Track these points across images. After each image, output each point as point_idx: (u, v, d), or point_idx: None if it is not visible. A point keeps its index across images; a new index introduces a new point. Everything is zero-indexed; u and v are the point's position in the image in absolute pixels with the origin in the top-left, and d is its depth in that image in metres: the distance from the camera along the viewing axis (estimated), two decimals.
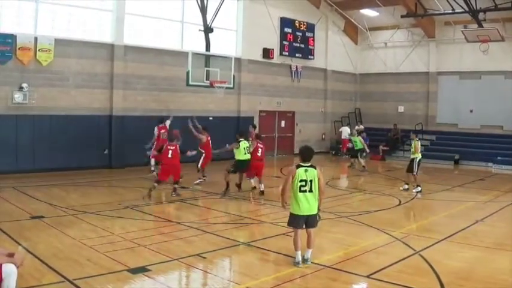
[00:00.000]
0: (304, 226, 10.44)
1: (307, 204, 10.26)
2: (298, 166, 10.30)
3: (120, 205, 16.07)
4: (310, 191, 10.28)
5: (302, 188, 10.22)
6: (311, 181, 10.28)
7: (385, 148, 34.84)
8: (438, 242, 12.60)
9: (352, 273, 10.03)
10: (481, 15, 30.87)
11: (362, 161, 29.02)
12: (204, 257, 10.67)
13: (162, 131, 22.63)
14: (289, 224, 10.58)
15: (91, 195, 17.45)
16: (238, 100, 31.95)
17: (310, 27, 36.54)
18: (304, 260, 10.31)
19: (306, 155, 10.43)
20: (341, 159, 34.96)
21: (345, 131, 36.61)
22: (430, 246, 12.16)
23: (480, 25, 31.90)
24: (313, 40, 36.80)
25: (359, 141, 29.51)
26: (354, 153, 30.04)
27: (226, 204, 17.70)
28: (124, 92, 26.17)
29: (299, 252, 10.28)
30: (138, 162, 24.00)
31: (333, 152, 37.79)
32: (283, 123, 35.88)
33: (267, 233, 12.96)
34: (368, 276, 9.79)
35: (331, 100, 39.50)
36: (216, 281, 9.44)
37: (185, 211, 15.92)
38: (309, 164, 10.44)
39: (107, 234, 12.39)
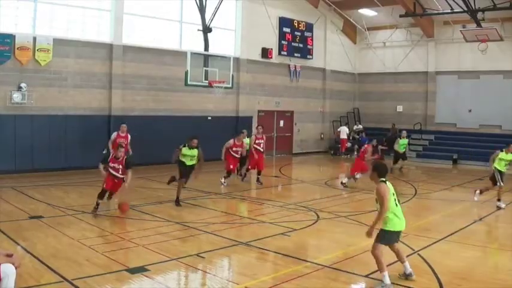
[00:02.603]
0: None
1: (403, 219, 9.73)
2: (382, 181, 9.43)
3: (117, 205, 16.05)
4: (399, 203, 9.71)
5: (396, 202, 9.57)
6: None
7: (384, 148, 34.83)
8: (437, 241, 12.63)
9: (351, 273, 10.06)
10: (479, 15, 30.87)
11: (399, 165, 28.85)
12: (203, 257, 10.67)
13: (121, 140, 19.64)
14: (382, 241, 9.47)
15: (90, 195, 17.38)
16: (237, 100, 31.93)
17: (309, 27, 36.56)
18: (408, 275, 9.61)
19: (385, 170, 9.57)
20: (340, 159, 35.01)
21: (344, 130, 36.69)
22: (429, 245, 12.21)
23: (479, 25, 31.89)
24: (312, 40, 36.83)
25: (406, 145, 29.59)
26: (398, 156, 29.17)
27: (225, 203, 17.73)
28: (123, 92, 26.16)
29: (387, 273, 9.24)
30: (137, 162, 24.01)
31: (332, 152, 37.79)
32: (281, 123, 35.84)
33: (266, 233, 12.95)
34: (367, 276, 9.83)
35: (330, 100, 39.51)
36: (215, 281, 9.44)
37: (184, 211, 15.84)
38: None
39: (105, 234, 12.45)
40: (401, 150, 28.90)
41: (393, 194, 9.46)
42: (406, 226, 13.59)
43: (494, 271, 10.44)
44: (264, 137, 22.99)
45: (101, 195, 15.02)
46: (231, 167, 21.92)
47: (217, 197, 18.80)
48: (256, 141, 22.41)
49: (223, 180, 21.70)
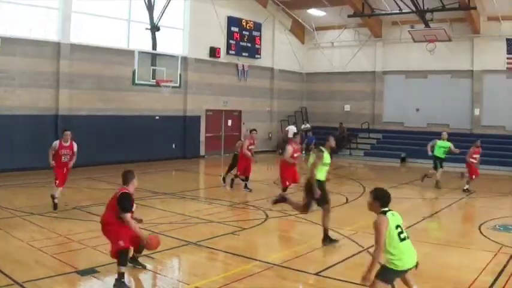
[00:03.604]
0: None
1: (413, 254, 8.06)
2: (382, 212, 8.08)
3: (66, 206, 15.93)
4: (407, 237, 8.02)
5: (401, 236, 7.95)
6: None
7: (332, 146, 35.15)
8: None
9: (301, 271, 10.18)
10: (428, 15, 31.41)
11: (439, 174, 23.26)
12: (153, 258, 10.66)
13: (65, 151, 16.05)
14: (382, 278, 7.95)
15: (38, 196, 17.26)
16: (185, 99, 31.83)
17: (257, 27, 36.69)
18: None
19: (388, 199, 8.31)
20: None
21: (291, 129, 36.88)
22: None
23: (427, 25, 32.47)
24: (260, 39, 36.97)
25: (447, 148, 23.32)
26: (438, 163, 23.42)
27: (173, 204, 17.69)
28: (70, 92, 25.81)
29: None
30: (84, 162, 23.81)
31: (280, 151, 37.92)
32: (229, 123, 35.89)
33: (215, 232, 13.01)
34: (317, 274, 9.97)
35: (278, 99, 39.76)
36: (165, 282, 9.52)
37: None
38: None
39: (54, 236, 12.32)
40: (441, 154, 23.31)
41: (397, 227, 7.97)
42: (355, 224, 13.88)
43: (445, 267, 10.66)
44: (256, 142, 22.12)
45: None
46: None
47: (165, 197, 18.72)
48: (249, 147, 21.18)
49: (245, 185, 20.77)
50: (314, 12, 38.48)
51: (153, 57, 26.52)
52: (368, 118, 39.17)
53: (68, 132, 16.11)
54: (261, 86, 38.25)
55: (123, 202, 9.24)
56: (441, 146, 22.92)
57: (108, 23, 28.05)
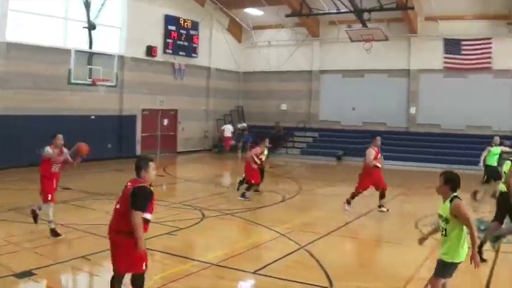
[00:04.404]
0: None
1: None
2: (457, 198, 7.78)
3: (3, 208, 15.68)
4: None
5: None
6: None
7: (268, 146, 35.42)
8: (323, 236, 13.15)
9: (239, 270, 10.30)
10: (365, 15, 31.84)
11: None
12: (89, 259, 10.64)
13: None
14: (444, 274, 7.77)
15: None
16: (121, 99, 31.54)
17: (195, 25, 36.63)
18: None
19: (459, 183, 7.96)
20: (224, 157, 35.37)
21: (228, 129, 37.09)
22: (315, 240, 12.66)
23: (364, 25, 32.94)
24: (197, 38, 36.93)
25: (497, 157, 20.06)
26: (491, 174, 19.47)
27: (109, 204, 17.43)
28: (5, 91, 25.29)
29: None
30: (20, 163, 23.47)
31: (216, 150, 38.08)
32: (165, 122, 35.76)
33: (152, 233, 12.81)
34: (255, 272, 10.09)
35: (214, 98, 39.77)
36: (102, 283, 9.48)
37: (69, 213, 15.60)
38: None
39: None
40: (494, 163, 19.90)
41: None
42: (291, 222, 14.09)
43: (380, 264, 10.93)
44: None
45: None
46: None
47: (101, 198, 18.53)
48: (261, 155, 20.07)
49: (247, 194, 19.06)
50: (251, 11, 38.71)
51: (90, 56, 26.30)
52: (304, 117, 39.64)
53: (60, 136, 13.64)
54: (198, 85, 38.20)
55: (136, 197, 7.48)
56: (495, 154, 19.78)
57: (45, 21, 27.46)
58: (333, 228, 14.07)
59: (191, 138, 37.39)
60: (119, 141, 31.29)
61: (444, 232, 7.73)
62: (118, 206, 7.77)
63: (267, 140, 20.98)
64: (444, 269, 7.67)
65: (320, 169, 30.38)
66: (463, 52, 34.60)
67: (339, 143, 36.13)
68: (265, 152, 20.45)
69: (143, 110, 33.53)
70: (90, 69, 26.01)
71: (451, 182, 7.84)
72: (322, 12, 33.84)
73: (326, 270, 10.12)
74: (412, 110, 36.37)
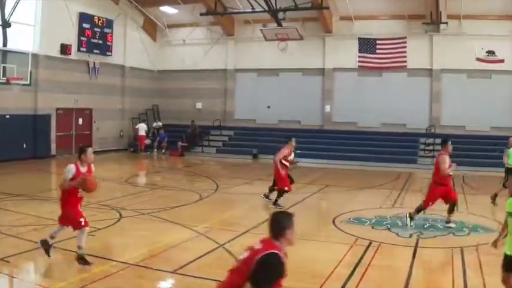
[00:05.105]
0: None
1: None
2: None
3: None
4: None
5: None
6: None
7: (184, 144, 35.59)
8: (242, 234, 13.33)
9: (158, 270, 10.33)
10: (281, 15, 32.31)
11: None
12: (8, 261, 10.50)
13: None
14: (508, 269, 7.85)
15: None
16: (35, 97, 30.98)
17: (109, 24, 36.30)
18: None
19: None
20: (139, 156, 35.25)
21: (142, 127, 36.96)
22: (234, 238, 12.81)
23: (279, 24, 33.38)
24: (112, 36, 36.61)
25: None
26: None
27: (26, 205, 17.27)
28: None
29: None
30: None
31: (132, 149, 37.86)
32: (80, 121, 35.33)
33: (70, 234, 12.70)
34: (174, 272, 10.15)
35: (129, 97, 39.51)
36: (23, 286, 9.46)
37: None
38: None
39: None
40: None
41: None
42: (209, 221, 14.23)
43: (302, 260, 11.01)
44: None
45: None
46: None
47: (17, 199, 18.27)
48: (288, 157, 18.60)
49: (279, 202, 17.90)
50: (166, 9, 38.73)
51: (4, 54, 25.87)
52: (220, 115, 39.88)
53: (90, 150, 11.06)
54: (113, 84, 37.91)
55: (262, 271, 5.50)
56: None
57: None
58: (251, 225, 14.29)
59: (107, 137, 37.05)
60: (34, 140, 30.73)
61: None
62: (232, 275, 5.93)
63: (294, 140, 19.13)
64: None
65: (236, 167, 30.59)
66: (378, 51, 35.57)
67: (254, 141, 36.44)
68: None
69: (58, 109, 33.03)
70: (4, 68, 25.55)
71: None
72: (237, 11, 34.17)
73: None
74: (327, 109, 37.06)
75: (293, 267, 10.65)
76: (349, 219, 15.88)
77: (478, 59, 34.43)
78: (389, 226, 14.99)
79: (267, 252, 5.50)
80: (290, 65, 37.24)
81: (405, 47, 35.23)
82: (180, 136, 36.83)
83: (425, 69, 35.51)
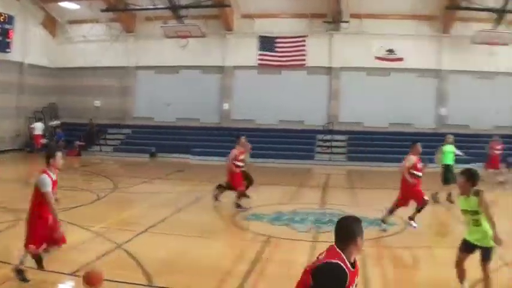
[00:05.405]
0: None
1: None
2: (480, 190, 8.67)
3: None
4: None
5: None
6: None
7: (81, 143, 35.18)
8: (140, 233, 13.46)
9: (57, 272, 10.21)
10: (183, 12, 32.37)
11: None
12: None
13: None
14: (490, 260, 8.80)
15: None
16: None
17: (9, 19, 35.18)
18: None
19: (479, 177, 8.84)
20: (36, 156, 34.51)
21: (38, 127, 36.21)
22: (132, 238, 12.91)
23: (181, 21, 33.42)
24: (13, 33, 35.56)
25: (451, 153, 19.91)
26: (449, 174, 19.20)
27: None
28: None
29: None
30: None
31: (28, 149, 37.04)
32: None
33: None
34: (73, 274, 10.06)
35: (27, 95, 38.62)
36: None
37: None
38: None
39: None
40: (449, 161, 19.70)
41: None
42: (107, 220, 14.24)
43: (201, 258, 11.28)
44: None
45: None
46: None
47: None
48: (240, 157, 18.40)
49: (242, 204, 17.84)
50: (67, 5, 38.23)
51: None
52: (119, 113, 39.82)
53: (60, 154, 10.26)
54: (9, 82, 36.95)
55: (321, 282, 5.25)
56: (450, 151, 19.62)
57: None
58: (150, 224, 14.41)
59: (4, 137, 36.16)
60: None
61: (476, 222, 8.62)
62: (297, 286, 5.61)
63: (243, 138, 18.90)
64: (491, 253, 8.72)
65: (134, 166, 30.55)
66: (278, 49, 36.20)
67: (153, 140, 36.51)
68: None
69: None
70: None
71: (472, 179, 8.61)
72: (138, 8, 34.02)
73: (144, 268, 10.32)
74: (226, 106, 37.40)
75: (193, 264, 11.01)
76: (247, 215, 16.20)
77: (378, 58, 35.66)
78: (287, 222, 15.48)
79: (326, 261, 5.28)
80: (190, 62, 37.51)
81: (304, 45, 36.12)
82: (78, 135, 36.41)
83: (325, 68, 36.59)
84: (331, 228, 14.17)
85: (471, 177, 8.60)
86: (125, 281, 9.57)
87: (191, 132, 36.26)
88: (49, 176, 9.68)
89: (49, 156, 10.00)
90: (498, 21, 33.42)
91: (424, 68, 36.39)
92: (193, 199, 18.95)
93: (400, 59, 36.03)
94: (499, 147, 24.51)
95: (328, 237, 13.36)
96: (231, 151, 18.28)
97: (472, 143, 28.82)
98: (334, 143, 35.20)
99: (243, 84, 37.52)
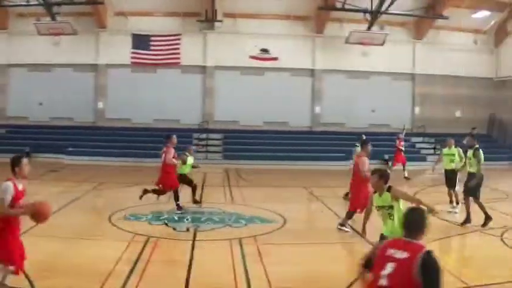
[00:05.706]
0: None
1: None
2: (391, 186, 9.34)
3: None
4: None
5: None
6: None
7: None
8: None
9: None
10: (56, 9, 31.59)
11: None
12: None
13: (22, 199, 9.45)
14: None
15: None
16: None
17: None
18: None
19: (389, 175, 9.63)
20: None
21: None
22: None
23: (53, 18, 32.63)
24: None
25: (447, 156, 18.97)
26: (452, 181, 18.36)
27: None
28: None
29: None
30: None
31: None
32: None
33: None
34: None
35: None
36: None
37: None
38: None
39: None
40: (444, 165, 18.97)
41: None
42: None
43: (78, 261, 10.98)
44: None
45: None
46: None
47: None
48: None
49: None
50: None
51: None
52: None
53: (26, 161, 9.32)
54: None
55: (434, 277, 4.94)
56: (446, 155, 18.96)
57: None
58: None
59: None
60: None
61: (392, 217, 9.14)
62: (385, 283, 5.12)
63: (174, 137, 18.21)
64: None
65: (7, 166, 29.49)
66: (152, 48, 36.00)
67: (28, 140, 35.18)
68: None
69: None
70: None
71: (384, 177, 9.31)
72: (11, 4, 32.95)
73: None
74: (100, 105, 36.90)
75: (72, 267, 10.71)
76: (125, 215, 16.01)
77: (252, 57, 36.04)
78: (166, 221, 15.47)
79: (424, 252, 5.02)
80: (64, 60, 36.53)
81: (179, 44, 36.10)
82: None
83: (199, 66, 36.67)
84: (210, 227, 14.39)
85: (382, 176, 9.33)
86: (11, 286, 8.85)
87: (65, 132, 35.48)
88: (14, 185, 8.63)
89: (14, 163, 8.98)
90: (371, 22, 34.42)
91: (299, 67, 37.29)
92: (69, 200, 18.46)
93: (275, 59, 36.68)
94: (402, 143, 27.42)
95: (207, 236, 13.54)
96: (165, 150, 17.71)
97: (348, 141, 29.42)
98: (210, 142, 35.39)
99: (118, 82, 36.98)
